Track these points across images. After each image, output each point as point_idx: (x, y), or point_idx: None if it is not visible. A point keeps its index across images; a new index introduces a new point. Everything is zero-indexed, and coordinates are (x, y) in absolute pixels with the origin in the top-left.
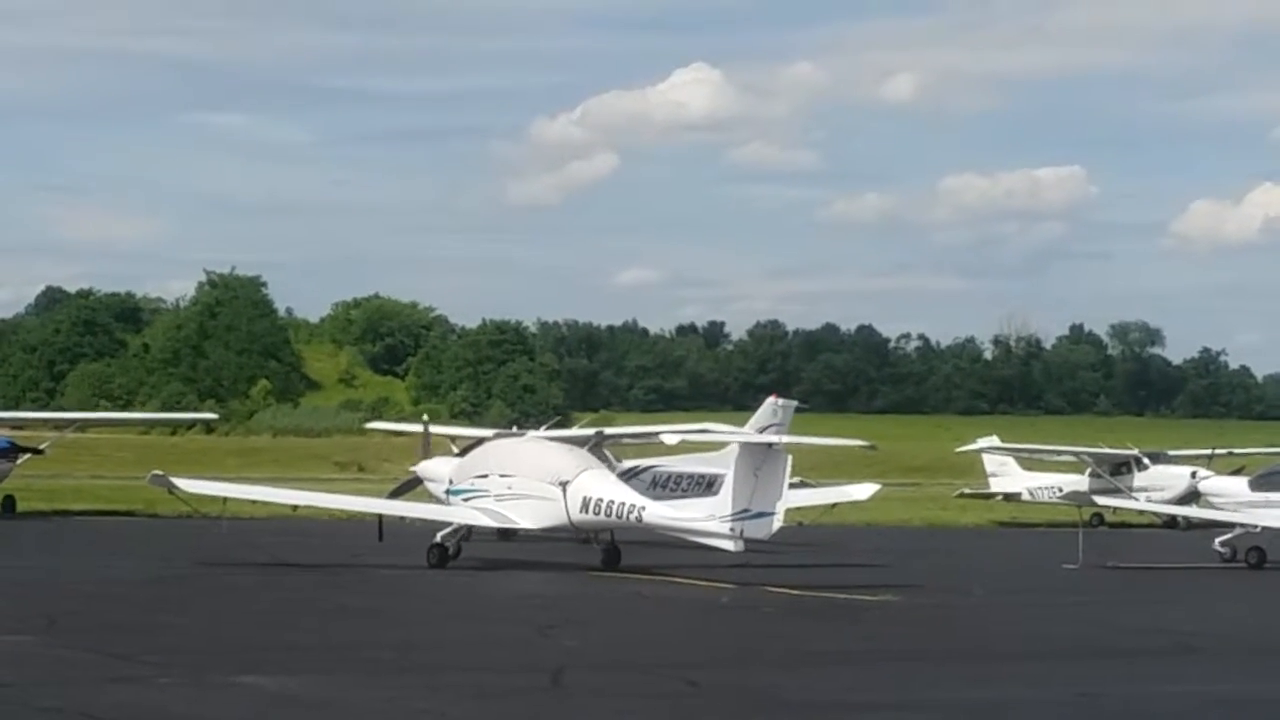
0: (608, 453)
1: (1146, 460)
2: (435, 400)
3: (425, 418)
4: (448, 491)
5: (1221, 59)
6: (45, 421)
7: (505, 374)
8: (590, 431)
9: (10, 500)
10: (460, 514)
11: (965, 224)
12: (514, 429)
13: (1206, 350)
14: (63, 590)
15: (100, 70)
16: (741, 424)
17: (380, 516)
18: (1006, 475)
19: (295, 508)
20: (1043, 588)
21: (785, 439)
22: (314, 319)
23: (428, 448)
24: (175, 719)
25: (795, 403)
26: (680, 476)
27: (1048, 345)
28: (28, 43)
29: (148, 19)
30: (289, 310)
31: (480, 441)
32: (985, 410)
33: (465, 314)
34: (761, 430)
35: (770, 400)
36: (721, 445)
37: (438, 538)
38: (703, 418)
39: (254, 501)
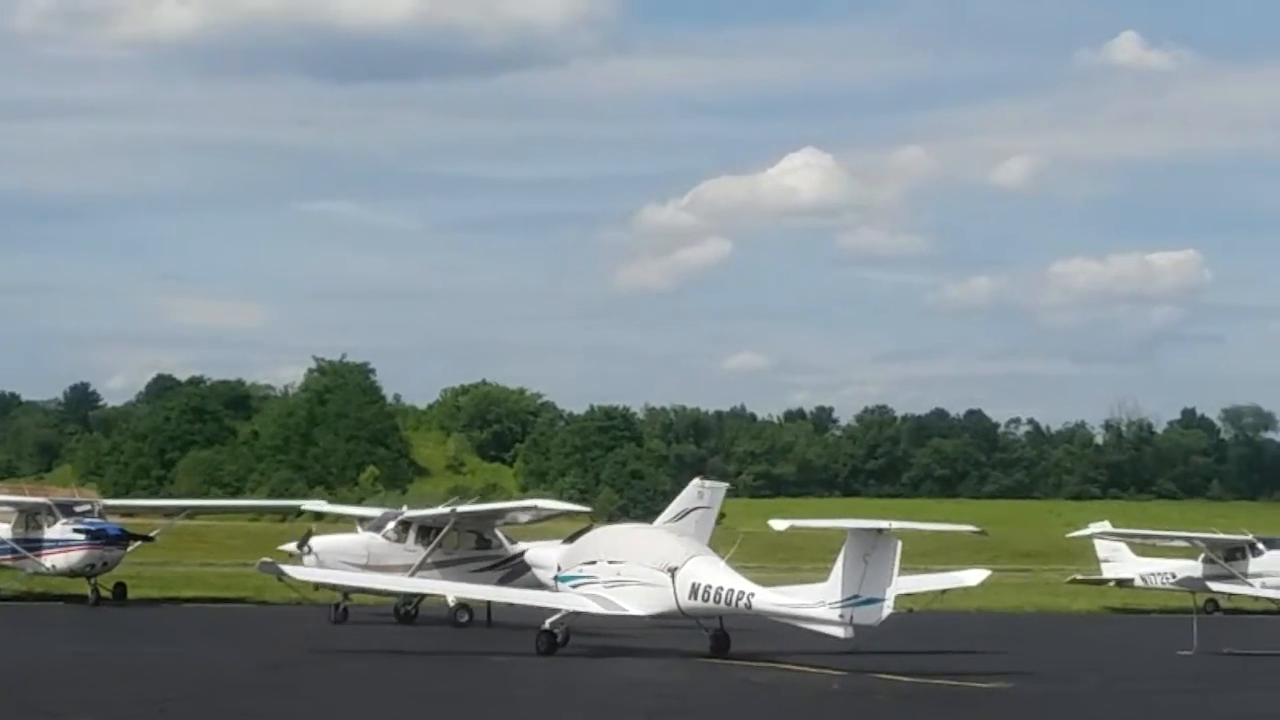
0: (500, 534)
1: (1261, 545)
2: (544, 486)
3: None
4: (556, 578)
5: None
6: (155, 509)
7: (613, 460)
8: (445, 510)
9: (121, 587)
10: (569, 601)
11: (1076, 308)
12: (404, 509)
13: None
14: (173, 677)
15: (209, 160)
16: (850, 510)
17: (489, 604)
18: (1119, 561)
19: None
20: (1158, 675)
21: (896, 525)
22: (422, 405)
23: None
24: None
25: (725, 484)
26: None
27: (1160, 430)
28: (135, 134)
29: (255, 110)
30: (397, 397)
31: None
32: (1097, 495)
33: (573, 400)
34: (683, 514)
35: (695, 482)
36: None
37: (546, 624)
38: (811, 504)
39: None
